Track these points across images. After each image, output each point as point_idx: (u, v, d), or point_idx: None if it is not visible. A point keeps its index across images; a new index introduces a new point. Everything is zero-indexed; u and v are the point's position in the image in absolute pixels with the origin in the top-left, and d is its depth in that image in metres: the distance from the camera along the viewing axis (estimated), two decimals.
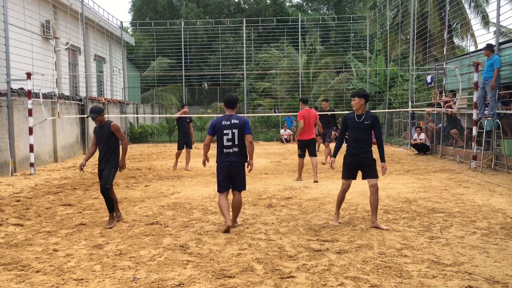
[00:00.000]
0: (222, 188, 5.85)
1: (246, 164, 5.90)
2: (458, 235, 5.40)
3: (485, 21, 20.92)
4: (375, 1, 32.48)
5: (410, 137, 16.69)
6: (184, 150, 11.91)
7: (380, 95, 22.51)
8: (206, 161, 6.05)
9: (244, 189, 5.93)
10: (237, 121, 5.73)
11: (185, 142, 11.84)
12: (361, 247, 4.94)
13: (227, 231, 5.68)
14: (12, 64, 11.17)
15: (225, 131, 5.71)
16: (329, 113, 13.73)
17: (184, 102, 13.25)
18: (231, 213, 5.97)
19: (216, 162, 5.86)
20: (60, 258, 4.70)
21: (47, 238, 5.45)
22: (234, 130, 5.70)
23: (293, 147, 18.53)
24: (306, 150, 9.76)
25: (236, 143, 5.72)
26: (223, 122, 5.76)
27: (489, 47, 10.68)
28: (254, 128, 23.94)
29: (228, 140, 5.71)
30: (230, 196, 6.11)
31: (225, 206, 5.80)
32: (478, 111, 11.24)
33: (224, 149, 5.74)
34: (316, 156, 9.84)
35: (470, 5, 21.48)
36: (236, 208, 5.91)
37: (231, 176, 5.80)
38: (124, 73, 23.03)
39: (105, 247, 5.03)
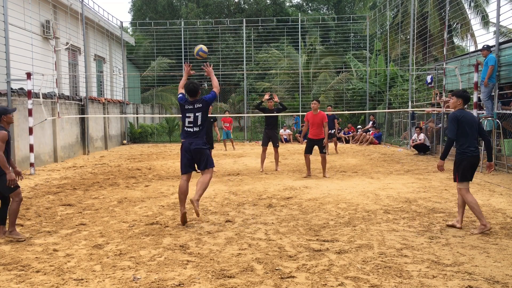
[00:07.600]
0: (184, 169, 6.03)
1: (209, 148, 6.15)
2: (458, 235, 5.40)
3: (485, 21, 20.91)
4: (375, 1, 32.45)
5: (410, 137, 16.70)
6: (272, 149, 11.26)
7: (380, 95, 22.51)
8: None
9: (212, 166, 6.08)
10: (201, 105, 5.97)
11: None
12: (361, 247, 4.94)
13: (183, 220, 5.86)
14: (12, 64, 11.17)
15: (187, 114, 5.96)
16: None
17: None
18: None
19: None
20: (60, 258, 4.70)
21: (47, 238, 5.44)
22: (197, 114, 5.93)
23: (293, 147, 18.55)
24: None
25: (199, 123, 5.94)
26: (186, 106, 6.00)
27: (487, 48, 10.82)
28: (254, 128, 23.91)
29: (189, 122, 5.95)
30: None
31: (184, 191, 5.96)
32: (479, 111, 11.25)
33: (186, 128, 5.99)
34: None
35: (470, 5, 21.47)
36: (201, 183, 5.95)
37: (194, 158, 6.00)
38: (124, 73, 23.01)
39: (105, 247, 5.03)
